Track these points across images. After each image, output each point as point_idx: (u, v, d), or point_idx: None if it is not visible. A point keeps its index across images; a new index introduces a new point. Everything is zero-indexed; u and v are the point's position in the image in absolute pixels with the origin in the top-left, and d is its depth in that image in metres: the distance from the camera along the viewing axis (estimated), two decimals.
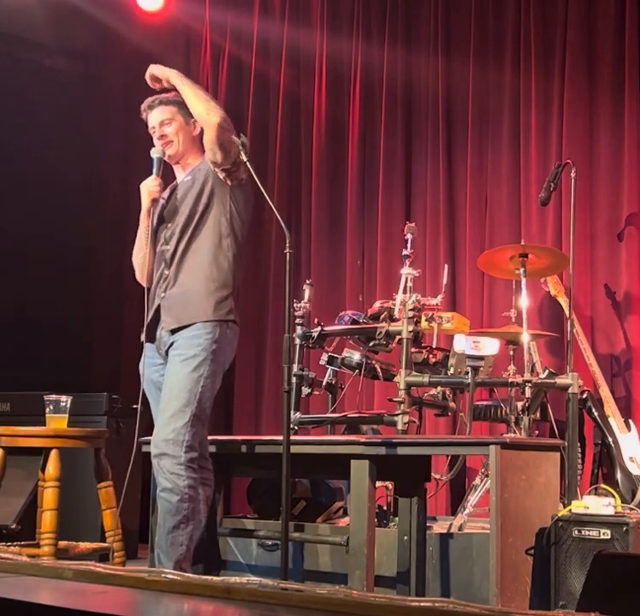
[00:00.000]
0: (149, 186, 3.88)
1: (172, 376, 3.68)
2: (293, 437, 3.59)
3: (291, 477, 3.34)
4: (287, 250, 3.38)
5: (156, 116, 3.96)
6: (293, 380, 4.59)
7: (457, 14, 6.10)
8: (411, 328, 4.20)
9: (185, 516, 3.60)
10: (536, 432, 4.84)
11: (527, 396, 4.32)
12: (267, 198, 3.52)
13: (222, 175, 3.79)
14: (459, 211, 5.99)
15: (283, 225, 3.44)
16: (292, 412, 4.44)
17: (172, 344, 3.72)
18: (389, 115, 6.28)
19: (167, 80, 3.83)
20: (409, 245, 4.42)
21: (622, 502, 4.15)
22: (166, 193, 3.95)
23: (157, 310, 3.78)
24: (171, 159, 3.95)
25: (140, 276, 3.92)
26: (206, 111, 3.73)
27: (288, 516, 3.25)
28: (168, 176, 4.00)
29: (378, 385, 5.51)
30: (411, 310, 4.22)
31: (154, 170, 3.90)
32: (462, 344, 4.10)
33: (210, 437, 3.84)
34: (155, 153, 3.93)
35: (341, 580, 3.80)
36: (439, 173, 6.02)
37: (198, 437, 3.65)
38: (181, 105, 3.92)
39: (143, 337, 3.75)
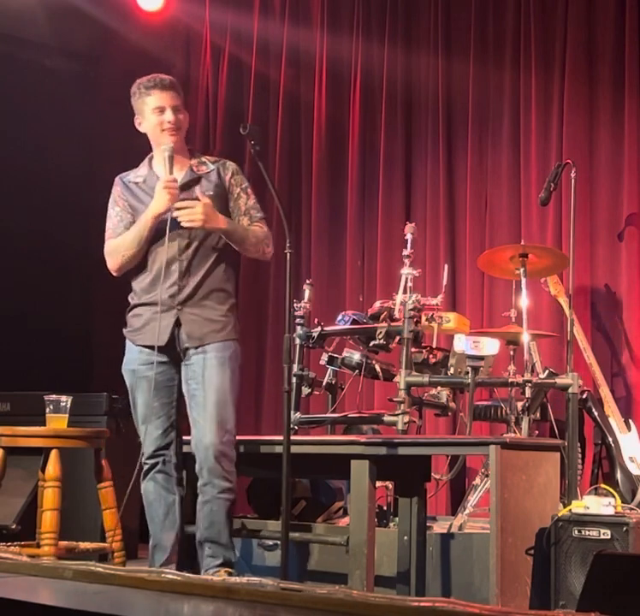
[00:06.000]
0: (171, 189, 3.67)
1: (215, 379, 3.75)
2: (293, 437, 3.60)
3: (291, 477, 3.34)
4: (287, 250, 3.40)
5: (169, 98, 3.75)
6: (293, 380, 4.59)
7: (457, 13, 6.10)
8: (411, 328, 4.20)
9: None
10: (536, 432, 4.83)
11: (527, 396, 4.32)
12: (275, 196, 3.51)
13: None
14: (459, 211, 5.98)
15: (285, 224, 3.44)
16: (292, 412, 4.46)
17: (197, 347, 3.78)
18: (389, 115, 6.27)
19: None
20: (409, 245, 4.41)
21: (622, 502, 4.15)
22: None
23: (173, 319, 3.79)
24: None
25: (118, 269, 3.97)
26: (265, 250, 3.87)
27: (288, 516, 3.25)
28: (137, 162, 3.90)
29: (378, 385, 5.50)
30: (411, 310, 4.21)
31: (169, 170, 3.69)
32: (462, 344, 4.10)
33: None
34: (167, 151, 3.69)
35: (341, 580, 3.79)
36: (439, 173, 6.02)
37: None
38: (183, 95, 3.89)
39: (156, 341, 3.72)
